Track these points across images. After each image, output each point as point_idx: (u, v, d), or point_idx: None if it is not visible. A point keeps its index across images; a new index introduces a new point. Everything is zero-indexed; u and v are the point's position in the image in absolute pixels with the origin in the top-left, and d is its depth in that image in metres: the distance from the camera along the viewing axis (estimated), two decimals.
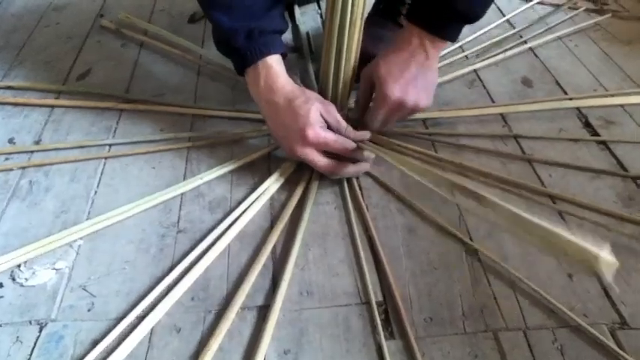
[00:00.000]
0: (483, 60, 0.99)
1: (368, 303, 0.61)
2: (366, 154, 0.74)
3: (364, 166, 0.75)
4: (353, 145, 0.72)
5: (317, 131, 0.69)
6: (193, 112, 0.89)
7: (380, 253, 0.66)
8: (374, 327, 0.58)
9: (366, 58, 0.77)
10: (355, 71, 0.77)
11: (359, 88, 0.79)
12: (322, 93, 0.78)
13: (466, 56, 1.01)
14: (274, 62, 0.72)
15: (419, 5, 0.73)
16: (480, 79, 0.96)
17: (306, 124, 0.69)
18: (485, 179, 0.75)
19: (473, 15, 0.74)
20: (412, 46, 0.73)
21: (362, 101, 0.80)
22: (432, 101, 0.77)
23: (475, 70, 0.98)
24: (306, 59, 1.01)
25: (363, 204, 0.73)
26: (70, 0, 1.25)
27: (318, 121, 0.70)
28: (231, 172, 0.78)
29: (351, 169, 0.74)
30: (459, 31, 0.75)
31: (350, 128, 0.72)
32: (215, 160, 0.80)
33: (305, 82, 0.96)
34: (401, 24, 0.96)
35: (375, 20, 0.97)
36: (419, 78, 0.73)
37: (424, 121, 0.87)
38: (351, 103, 0.83)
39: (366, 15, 0.84)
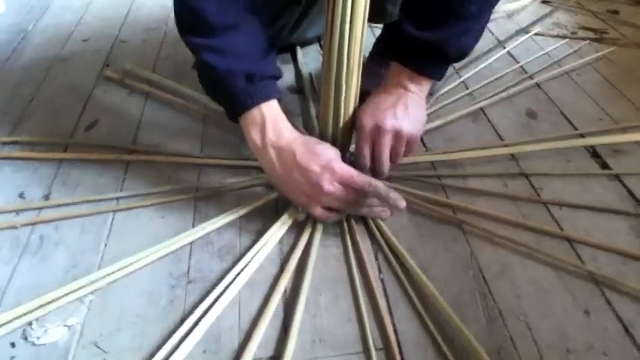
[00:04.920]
0: (489, 97, 1.00)
1: (383, 349, 0.60)
2: (396, 195, 0.69)
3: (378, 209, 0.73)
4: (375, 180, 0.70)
5: (342, 165, 0.69)
6: (199, 161, 0.89)
7: (389, 298, 0.65)
8: None
9: (362, 95, 0.76)
10: (353, 120, 0.77)
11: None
12: (322, 137, 0.78)
13: (471, 93, 1.02)
14: (277, 107, 0.72)
15: (404, 44, 0.74)
16: (485, 113, 0.97)
17: (332, 159, 0.68)
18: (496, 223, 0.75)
19: (460, 56, 0.75)
20: (394, 84, 0.74)
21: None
22: (420, 130, 0.76)
23: (482, 110, 0.98)
24: (309, 101, 1.02)
25: (362, 249, 0.72)
26: (75, 51, 1.27)
27: (339, 156, 0.71)
28: (239, 218, 0.78)
29: (375, 210, 0.73)
30: (445, 70, 0.76)
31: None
32: (223, 208, 0.80)
33: (307, 125, 0.97)
34: None
35: (376, 59, 0.99)
36: (398, 107, 0.73)
37: (433, 163, 0.87)
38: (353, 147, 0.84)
39: (367, 54, 0.85)
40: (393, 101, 0.73)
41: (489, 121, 0.95)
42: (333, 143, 0.76)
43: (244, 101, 0.69)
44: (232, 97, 0.69)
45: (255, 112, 0.69)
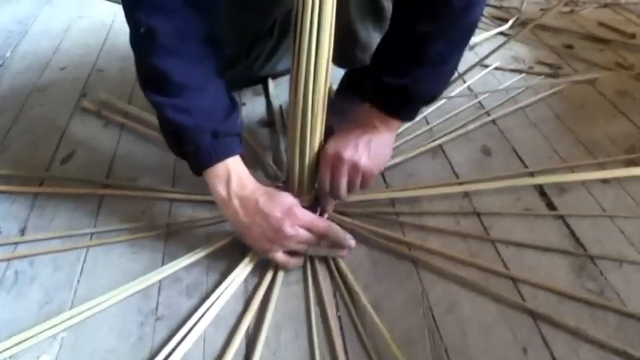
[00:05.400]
0: (447, 134, 1.06)
1: None
2: (348, 236, 0.76)
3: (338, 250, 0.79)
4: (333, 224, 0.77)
5: (302, 210, 0.75)
6: (170, 196, 0.93)
7: (344, 336, 0.70)
8: None
9: (331, 133, 0.79)
10: (317, 162, 0.80)
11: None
12: (289, 176, 0.83)
13: (431, 129, 1.08)
14: (240, 161, 0.76)
15: (375, 87, 0.76)
16: (443, 150, 1.03)
17: (292, 205, 0.74)
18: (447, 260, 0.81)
19: (432, 99, 0.80)
20: (364, 121, 0.77)
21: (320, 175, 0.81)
22: (379, 167, 0.80)
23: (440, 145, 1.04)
24: (278, 135, 1.07)
25: (322, 287, 0.77)
26: (53, 80, 1.31)
27: (299, 203, 0.76)
28: (207, 255, 0.82)
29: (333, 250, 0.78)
30: (417, 112, 0.80)
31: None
32: (192, 244, 0.84)
33: (276, 159, 1.01)
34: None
35: (343, 94, 1.04)
36: (361, 140, 0.76)
37: (392, 200, 0.92)
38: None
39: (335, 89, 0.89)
40: (358, 134, 0.77)
41: (447, 157, 1.01)
42: (300, 178, 0.81)
43: (210, 157, 0.72)
44: (198, 152, 0.72)
45: (220, 167, 0.73)
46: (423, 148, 1.02)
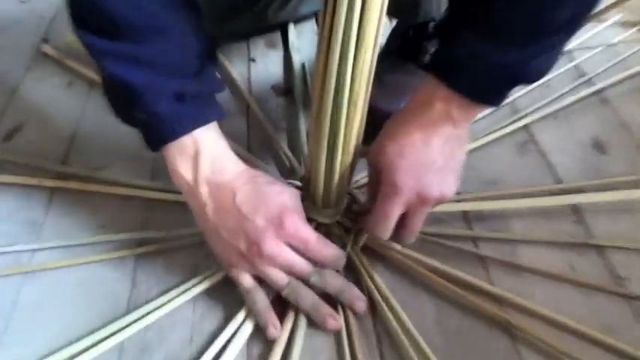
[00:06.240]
0: (537, 110, 0.75)
1: None
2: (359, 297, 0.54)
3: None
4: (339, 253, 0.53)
5: (297, 221, 0.50)
6: (147, 194, 0.66)
7: None
8: None
9: (377, 118, 0.54)
10: (355, 162, 0.54)
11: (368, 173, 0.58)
12: (309, 176, 0.56)
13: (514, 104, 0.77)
14: (216, 132, 0.51)
15: (450, 52, 0.49)
16: (535, 141, 0.73)
17: (285, 207, 0.50)
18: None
19: (535, 80, 0.51)
20: (434, 112, 0.50)
21: (371, 191, 0.58)
22: (457, 185, 0.53)
23: (527, 127, 0.74)
24: (298, 109, 0.77)
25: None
26: (11, 15, 1.00)
27: (298, 207, 0.52)
28: (195, 298, 0.55)
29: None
30: (507, 93, 0.51)
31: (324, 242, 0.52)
32: (171, 276, 0.58)
33: (294, 144, 0.73)
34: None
35: (390, 62, 0.73)
36: (441, 156, 0.51)
37: (465, 214, 0.63)
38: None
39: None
40: (440, 149, 0.50)
41: (541, 153, 0.71)
42: (326, 184, 0.54)
43: (171, 127, 0.48)
44: (155, 121, 0.48)
45: (185, 141, 0.49)
46: (502, 131, 0.72)
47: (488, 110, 0.74)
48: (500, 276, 0.57)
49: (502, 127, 0.73)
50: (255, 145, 0.74)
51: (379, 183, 0.52)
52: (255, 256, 0.50)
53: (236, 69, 0.87)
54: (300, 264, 0.51)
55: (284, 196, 0.51)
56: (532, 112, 0.76)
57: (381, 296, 0.55)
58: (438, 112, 0.50)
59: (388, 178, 0.51)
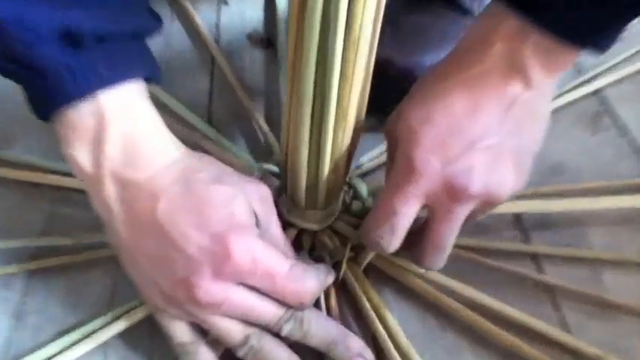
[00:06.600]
0: (610, 69, 0.55)
1: None
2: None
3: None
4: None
5: (253, 245, 0.31)
6: (55, 181, 0.46)
7: None
8: None
9: (389, 76, 0.42)
10: (355, 140, 0.36)
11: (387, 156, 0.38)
12: (290, 188, 0.37)
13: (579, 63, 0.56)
14: (138, 100, 0.32)
15: None
16: (611, 112, 0.52)
17: (235, 228, 0.30)
18: None
19: None
20: (493, 59, 0.31)
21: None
22: (526, 179, 0.34)
23: (599, 93, 0.53)
24: (281, 62, 0.58)
25: None
26: None
27: (250, 220, 0.32)
28: (106, 346, 0.36)
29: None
30: (623, 29, 0.31)
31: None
32: (75, 308, 0.39)
33: (272, 113, 0.53)
34: (464, 7, 0.51)
35: None
36: (497, 130, 0.32)
37: (517, 217, 0.43)
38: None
39: None
40: (496, 119, 0.32)
41: (620, 129, 0.51)
42: (310, 186, 0.36)
43: (58, 86, 0.29)
44: (33, 76, 0.29)
45: (83, 110, 0.30)
46: (567, 97, 0.52)
47: None
48: (579, 318, 0.37)
49: (564, 92, 0.52)
50: (218, 113, 0.54)
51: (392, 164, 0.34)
52: (187, 303, 0.30)
53: (200, 11, 0.66)
54: (264, 308, 0.31)
55: (235, 206, 0.31)
56: (604, 72, 0.55)
57: (395, 346, 0.35)
58: (500, 59, 0.30)
59: (402, 155, 0.32)
